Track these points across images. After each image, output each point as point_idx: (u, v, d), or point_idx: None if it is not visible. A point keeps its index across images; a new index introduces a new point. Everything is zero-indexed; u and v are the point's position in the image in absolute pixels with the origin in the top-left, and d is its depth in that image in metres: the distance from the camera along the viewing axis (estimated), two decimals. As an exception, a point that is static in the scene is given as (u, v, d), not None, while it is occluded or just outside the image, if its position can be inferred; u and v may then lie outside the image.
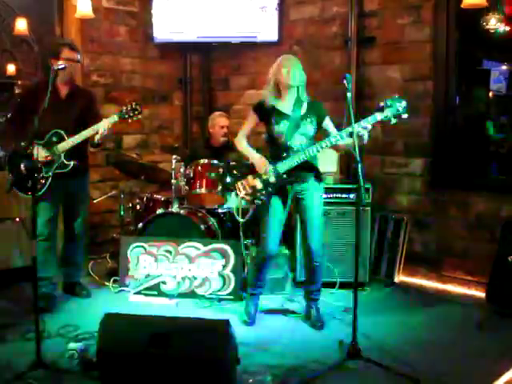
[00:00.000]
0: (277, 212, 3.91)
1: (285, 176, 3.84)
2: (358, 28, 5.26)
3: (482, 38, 6.93)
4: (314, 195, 3.92)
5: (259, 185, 3.89)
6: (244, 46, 6.04)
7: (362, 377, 3.22)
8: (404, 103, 3.50)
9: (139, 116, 4.12)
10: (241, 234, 4.46)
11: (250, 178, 3.94)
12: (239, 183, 3.96)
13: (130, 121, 4.12)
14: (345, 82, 3.40)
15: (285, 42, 5.79)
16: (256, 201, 3.89)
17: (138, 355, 2.86)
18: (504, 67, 8.48)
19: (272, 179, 3.86)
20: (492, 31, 6.83)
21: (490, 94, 7.33)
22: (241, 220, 4.22)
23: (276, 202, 3.90)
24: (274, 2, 5.76)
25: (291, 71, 3.78)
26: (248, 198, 3.93)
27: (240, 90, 6.26)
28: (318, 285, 4.11)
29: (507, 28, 6.93)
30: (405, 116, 3.51)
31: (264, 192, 3.87)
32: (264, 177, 3.88)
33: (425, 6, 4.93)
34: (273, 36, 5.81)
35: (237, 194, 3.98)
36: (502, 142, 6.24)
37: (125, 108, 4.09)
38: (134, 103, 4.10)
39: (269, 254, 3.98)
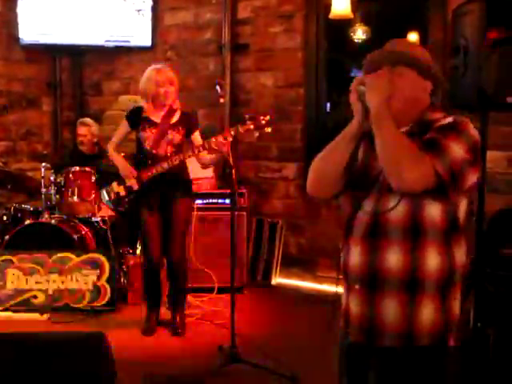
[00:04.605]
0: (151, 220, 3.89)
1: (149, 183, 3.82)
2: (231, 35, 5.31)
3: (351, 48, 7.28)
4: (178, 203, 3.89)
5: (123, 191, 3.87)
6: (117, 51, 5.89)
7: (244, 380, 3.26)
8: (268, 117, 3.53)
9: None
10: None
11: (114, 184, 3.93)
12: (104, 190, 3.95)
13: None
14: (217, 87, 3.42)
15: (159, 47, 5.73)
16: (118, 207, 3.89)
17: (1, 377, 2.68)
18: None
19: (135, 186, 3.83)
20: (359, 41, 7.19)
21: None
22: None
23: (146, 210, 3.88)
24: (148, 6, 5.68)
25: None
26: (111, 204, 3.93)
27: (113, 95, 6.10)
28: (181, 290, 4.08)
29: (373, 38, 7.32)
30: (268, 130, 3.53)
31: (127, 200, 3.85)
32: (128, 183, 3.85)
33: (296, 16, 5.08)
34: (146, 41, 5.72)
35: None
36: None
37: None
38: None
39: (153, 262, 3.96)
